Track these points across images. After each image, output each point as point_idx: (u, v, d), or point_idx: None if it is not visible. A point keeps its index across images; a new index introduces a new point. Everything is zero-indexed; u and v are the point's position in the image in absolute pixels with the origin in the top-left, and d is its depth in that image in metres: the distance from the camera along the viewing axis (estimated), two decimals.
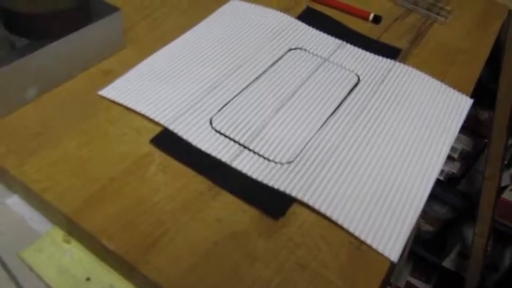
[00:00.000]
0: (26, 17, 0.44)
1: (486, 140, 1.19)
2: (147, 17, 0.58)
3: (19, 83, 0.44)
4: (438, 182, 1.28)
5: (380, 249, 0.38)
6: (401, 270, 1.43)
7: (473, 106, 1.23)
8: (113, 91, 0.47)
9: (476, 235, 1.19)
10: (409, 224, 0.40)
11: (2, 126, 0.43)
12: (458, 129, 0.51)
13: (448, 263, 1.38)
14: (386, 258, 0.38)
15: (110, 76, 0.49)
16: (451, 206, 1.34)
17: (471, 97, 0.55)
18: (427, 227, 1.40)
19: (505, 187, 1.19)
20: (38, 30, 0.45)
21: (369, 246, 0.38)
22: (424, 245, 1.41)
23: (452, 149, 1.25)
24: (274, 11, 0.62)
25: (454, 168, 1.27)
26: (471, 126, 1.22)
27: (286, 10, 0.63)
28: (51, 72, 0.46)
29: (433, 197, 1.32)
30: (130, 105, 0.46)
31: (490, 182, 1.12)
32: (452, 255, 1.36)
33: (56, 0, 0.46)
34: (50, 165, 0.41)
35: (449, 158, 1.26)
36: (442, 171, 1.29)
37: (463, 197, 1.29)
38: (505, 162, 1.13)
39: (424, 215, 1.37)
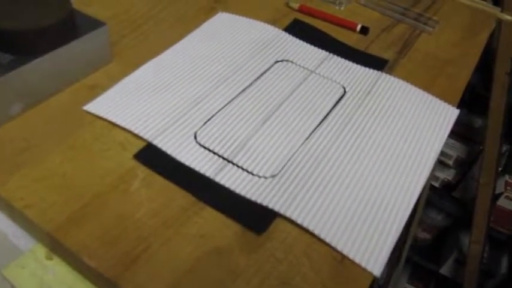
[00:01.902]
0: (10, 34, 0.44)
1: (481, 147, 1.19)
2: (134, 31, 0.59)
3: (3, 99, 0.44)
4: (434, 189, 1.28)
5: (363, 263, 0.38)
6: (399, 278, 1.43)
7: (467, 113, 1.23)
8: (97, 106, 0.47)
9: (472, 242, 1.18)
10: (392, 238, 0.40)
11: None
12: (444, 141, 0.51)
13: (445, 270, 1.38)
14: (369, 273, 0.38)
15: (96, 91, 0.49)
16: (446, 213, 1.34)
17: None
18: (423, 235, 1.40)
19: (500, 194, 1.19)
20: (22, 47, 0.45)
21: (352, 261, 0.38)
22: (421, 252, 1.41)
23: (447, 156, 1.25)
24: (261, 23, 0.62)
25: (449, 175, 1.27)
26: (465, 133, 1.22)
27: (273, 22, 0.63)
28: (36, 88, 0.46)
29: (429, 204, 1.32)
30: (114, 120, 0.46)
31: (485, 189, 1.12)
32: (449, 262, 1.35)
33: (40, 16, 0.46)
34: (34, 181, 0.41)
35: (445, 165, 1.27)
36: (437, 178, 1.29)
37: (459, 204, 1.28)
38: (500, 169, 1.13)
39: (421, 222, 1.37)
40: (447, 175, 1.27)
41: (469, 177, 1.25)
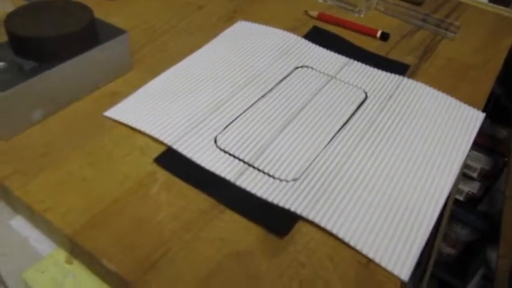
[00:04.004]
0: (33, 40, 0.45)
1: (506, 159, 1.16)
2: (155, 40, 0.59)
3: (26, 104, 0.44)
4: (458, 203, 1.25)
5: (389, 267, 0.37)
6: None
7: (491, 124, 1.20)
8: (118, 112, 0.47)
9: (499, 257, 1.15)
10: (420, 242, 0.39)
11: (8, 147, 0.43)
12: (470, 144, 0.49)
13: (472, 286, 1.33)
14: (397, 277, 0.36)
15: (116, 98, 0.50)
16: (472, 228, 1.30)
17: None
18: (448, 250, 1.36)
19: None
20: (45, 53, 0.45)
21: (378, 265, 0.37)
22: (447, 268, 1.36)
23: (471, 168, 1.22)
24: (281, 31, 0.62)
25: (474, 188, 1.24)
26: (489, 145, 1.19)
27: (292, 30, 0.63)
28: (58, 94, 0.47)
29: (453, 218, 1.29)
30: (134, 125, 0.46)
31: (511, 202, 1.08)
32: (476, 278, 1.31)
33: (62, 23, 0.47)
34: (54, 185, 0.41)
35: (469, 177, 1.24)
36: (461, 192, 1.26)
37: (485, 217, 1.25)
38: None
39: (446, 237, 1.33)
40: (472, 188, 1.24)
41: (494, 190, 1.22)
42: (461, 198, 1.26)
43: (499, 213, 1.13)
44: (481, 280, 1.31)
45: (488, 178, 1.22)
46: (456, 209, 1.24)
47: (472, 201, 1.26)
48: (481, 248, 1.32)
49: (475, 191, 1.24)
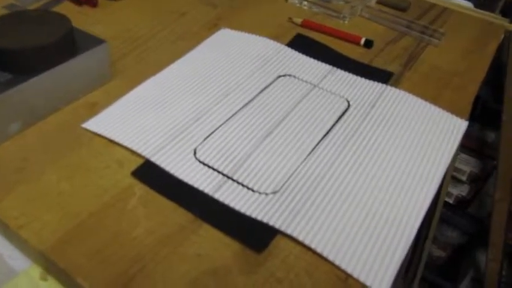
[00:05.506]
0: (9, 52, 0.44)
1: (495, 162, 1.16)
2: (136, 49, 0.58)
3: (2, 117, 0.44)
4: (448, 206, 1.25)
5: (368, 282, 0.36)
6: None
7: (480, 128, 1.20)
8: (96, 124, 0.47)
9: (489, 260, 1.15)
10: (399, 256, 0.38)
11: None
12: (452, 153, 0.49)
13: None
14: None
15: (96, 108, 0.49)
16: (462, 230, 1.30)
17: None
18: (438, 253, 1.36)
19: None
20: (21, 65, 0.45)
21: (356, 280, 0.37)
22: (437, 271, 1.37)
23: (461, 171, 1.22)
24: (264, 39, 0.61)
25: (464, 191, 1.24)
26: (478, 148, 1.20)
27: (276, 38, 0.62)
28: (35, 106, 0.46)
29: (443, 221, 1.29)
30: (113, 138, 0.45)
31: (500, 205, 1.09)
32: (466, 281, 1.31)
33: (39, 34, 0.46)
34: (29, 201, 0.40)
35: (458, 181, 1.24)
36: (451, 195, 1.26)
37: (474, 220, 1.25)
38: None
39: (435, 240, 1.33)
40: (461, 191, 1.24)
41: (483, 193, 1.22)
42: (451, 201, 1.27)
43: (488, 216, 1.13)
44: (471, 282, 1.31)
45: (478, 181, 1.23)
46: (446, 212, 1.24)
47: (461, 204, 1.27)
48: (471, 250, 1.32)
49: (464, 194, 1.25)
